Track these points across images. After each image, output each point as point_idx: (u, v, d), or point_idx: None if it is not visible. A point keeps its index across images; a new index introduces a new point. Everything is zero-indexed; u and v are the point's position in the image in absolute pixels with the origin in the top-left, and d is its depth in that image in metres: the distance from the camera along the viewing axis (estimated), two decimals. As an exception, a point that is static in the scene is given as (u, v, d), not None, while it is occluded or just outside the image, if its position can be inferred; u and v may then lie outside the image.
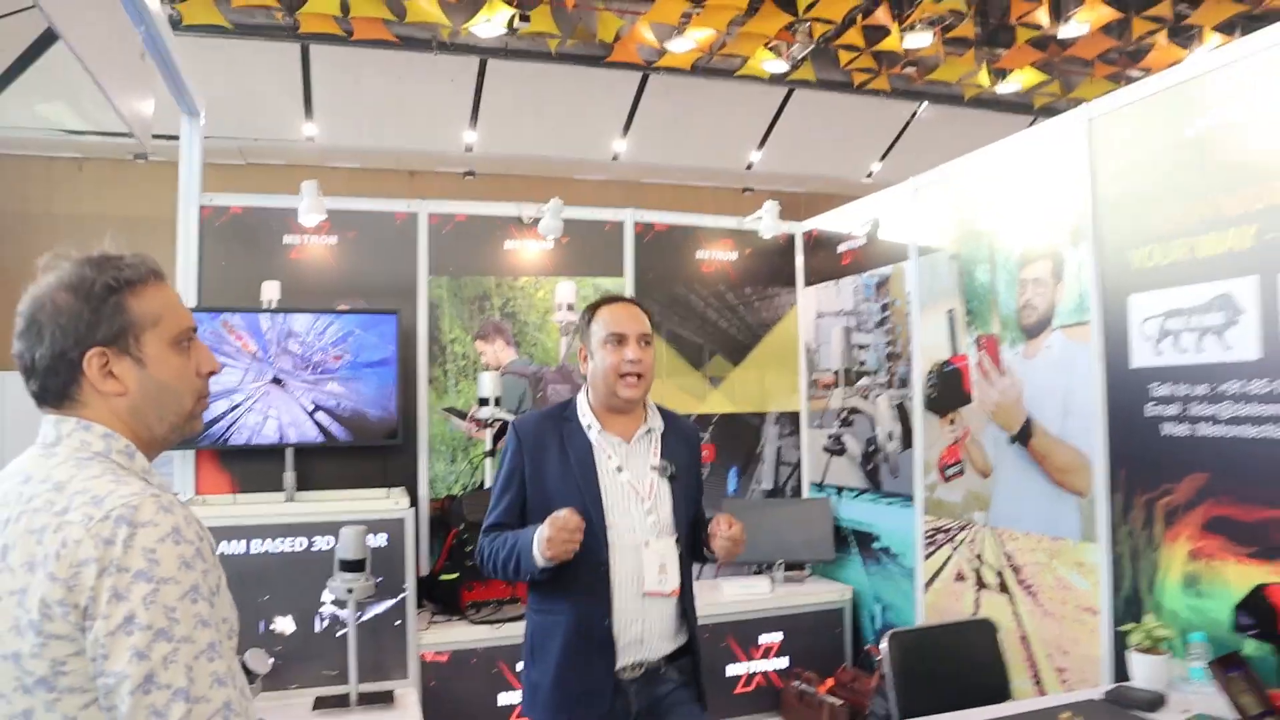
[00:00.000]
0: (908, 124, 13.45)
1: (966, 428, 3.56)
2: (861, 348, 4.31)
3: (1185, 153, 2.65)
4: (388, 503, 3.26)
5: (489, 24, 7.25)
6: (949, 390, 3.67)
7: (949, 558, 3.61)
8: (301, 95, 8.34)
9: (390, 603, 3.17)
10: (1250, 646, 2.33)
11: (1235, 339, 2.47)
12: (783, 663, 3.97)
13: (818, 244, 4.68)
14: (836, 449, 4.44)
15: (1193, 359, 2.58)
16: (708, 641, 3.78)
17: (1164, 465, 2.66)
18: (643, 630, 2.08)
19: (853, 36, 10.78)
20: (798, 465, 4.70)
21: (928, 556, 3.75)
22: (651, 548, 2.09)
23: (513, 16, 7.35)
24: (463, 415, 3.96)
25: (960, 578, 3.54)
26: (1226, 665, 2.10)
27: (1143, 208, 2.79)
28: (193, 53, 4.76)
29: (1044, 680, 3.13)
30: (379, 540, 3.14)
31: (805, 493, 4.65)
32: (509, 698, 3.45)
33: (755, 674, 3.94)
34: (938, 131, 13.53)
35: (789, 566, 4.25)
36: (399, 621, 3.18)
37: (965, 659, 2.66)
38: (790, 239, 4.81)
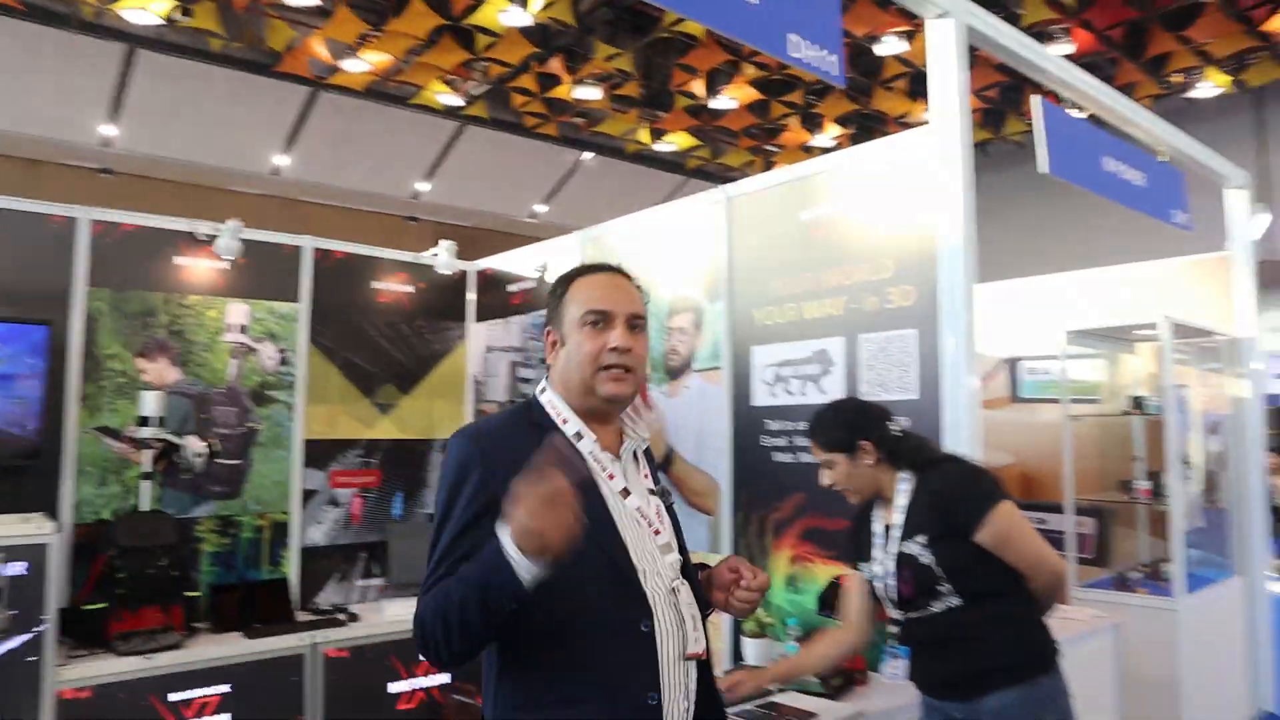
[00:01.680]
0: (572, 170, 14.44)
1: (620, 457, 4.09)
2: (526, 381, 4.74)
3: (799, 234, 3.38)
4: (28, 528, 3.06)
5: (144, 11, 6.82)
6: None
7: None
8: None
9: (25, 637, 2.97)
10: (832, 624, 3.02)
11: (828, 385, 3.21)
12: (445, 678, 4.21)
13: (490, 283, 5.07)
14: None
15: (797, 400, 3.30)
16: (370, 660, 3.95)
17: (774, 487, 3.34)
18: (688, 707, 1.53)
19: (527, 81, 11.46)
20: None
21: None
22: (682, 595, 1.56)
23: (173, 7, 6.97)
24: (117, 435, 3.77)
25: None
26: (806, 639, 2.74)
27: (766, 275, 3.49)
28: None
29: (677, 677, 3.70)
30: (17, 569, 2.94)
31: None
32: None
33: (417, 690, 4.14)
34: (600, 180, 14.69)
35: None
36: (33, 658, 2.98)
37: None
38: (463, 276, 5.15)
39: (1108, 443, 4.93)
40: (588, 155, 14.23)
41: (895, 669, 2.76)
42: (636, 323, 1.63)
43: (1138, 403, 4.64)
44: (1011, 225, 11.76)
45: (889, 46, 10.01)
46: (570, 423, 1.60)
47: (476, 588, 1.37)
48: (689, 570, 1.63)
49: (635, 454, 1.67)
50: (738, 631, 3.27)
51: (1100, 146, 3.98)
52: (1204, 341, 4.88)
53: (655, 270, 4.00)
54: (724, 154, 14.48)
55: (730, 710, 2.47)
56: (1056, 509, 4.61)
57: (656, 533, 1.58)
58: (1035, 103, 3.59)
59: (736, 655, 3.27)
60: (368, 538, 4.56)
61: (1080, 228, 10.43)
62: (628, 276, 1.70)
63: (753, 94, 11.84)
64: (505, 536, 1.32)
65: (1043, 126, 3.54)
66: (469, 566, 1.41)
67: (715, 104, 12.11)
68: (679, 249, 3.90)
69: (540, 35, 9.92)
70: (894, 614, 2.31)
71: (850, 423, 2.35)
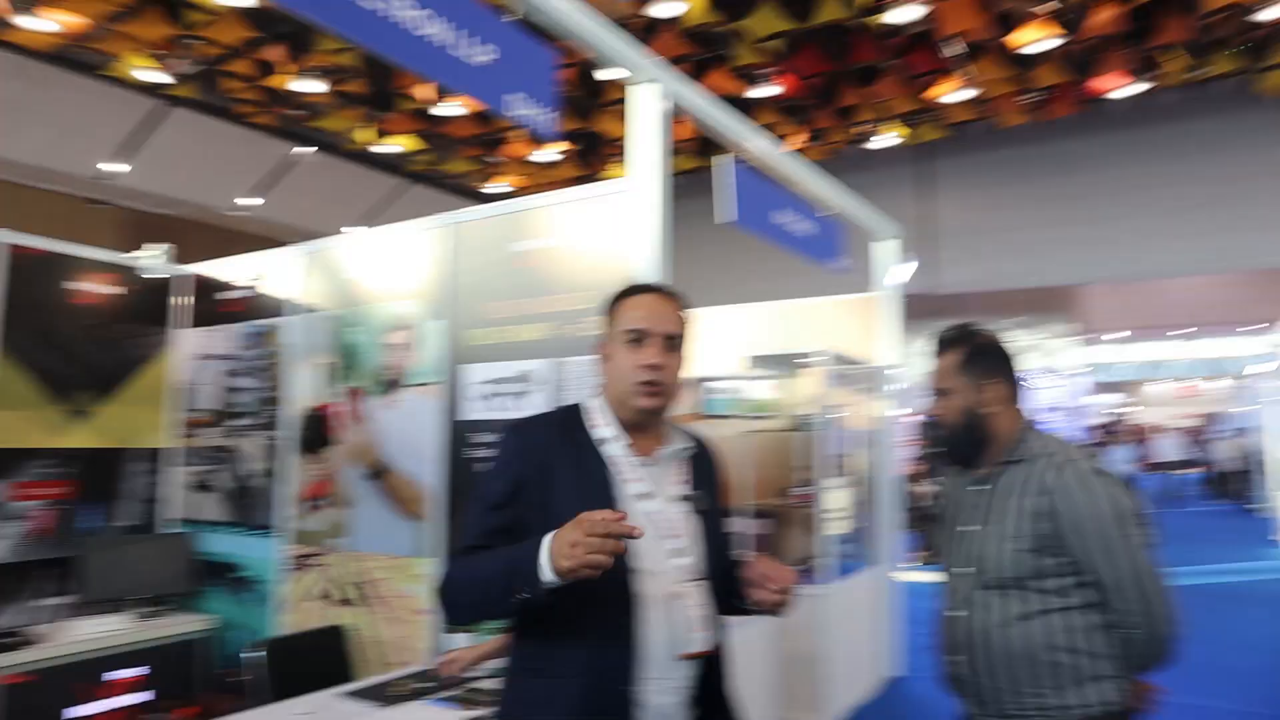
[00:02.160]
0: (287, 164, 13.93)
1: (331, 466, 4.25)
2: (238, 390, 4.74)
3: (513, 264, 3.75)
4: None
5: None
6: (317, 433, 4.33)
7: (310, 581, 4.24)
8: None
9: None
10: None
11: (532, 403, 3.60)
12: (145, 696, 4.13)
13: (202, 289, 4.99)
14: (204, 485, 4.77)
15: (503, 415, 3.66)
16: (57, 684, 3.82)
17: (481, 495, 3.68)
18: (674, 702, 1.71)
19: (243, 66, 10.98)
20: (162, 501, 4.88)
21: (290, 582, 4.33)
22: (687, 597, 1.75)
23: None
24: None
25: (320, 597, 4.19)
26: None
27: (481, 299, 3.82)
28: None
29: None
30: None
31: (167, 528, 4.85)
32: None
33: (110, 711, 4.03)
34: (315, 177, 14.29)
35: (149, 601, 4.43)
36: None
37: (325, 660, 3.31)
38: (169, 280, 5.02)
39: (780, 454, 5.75)
40: (305, 149, 13.81)
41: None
42: (672, 341, 1.81)
43: (802, 420, 5.48)
44: (705, 256, 12.91)
45: (611, 72, 10.71)
46: (605, 428, 1.81)
47: (503, 574, 1.61)
48: (718, 573, 1.79)
49: (680, 460, 1.86)
50: (444, 627, 3.57)
51: (775, 201, 4.70)
52: (857, 369, 5.84)
53: (375, 288, 4.21)
54: (448, 160, 14.62)
55: (440, 691, 2.79)
56: (738, 513, 5.34)
57: (675, 536, 1.76)
58: (721, 160, 4.22)
59: (442, 648, 3.57)
60: (60, 552, 4.33)
61: (764, 263, 11.51)
62: (672, 297, 1.88)
63: (477, 103, 12.11)
64: (545, 545, 1.54)
65: (727, 181, 4.18)
66: (506, 551, 1.65)
67: (440, 110, 12.25)
68: (400, 268, 4.13)
69: (260, 19, 9.58)
70: None
71: None
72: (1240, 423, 19.83)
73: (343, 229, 13.92)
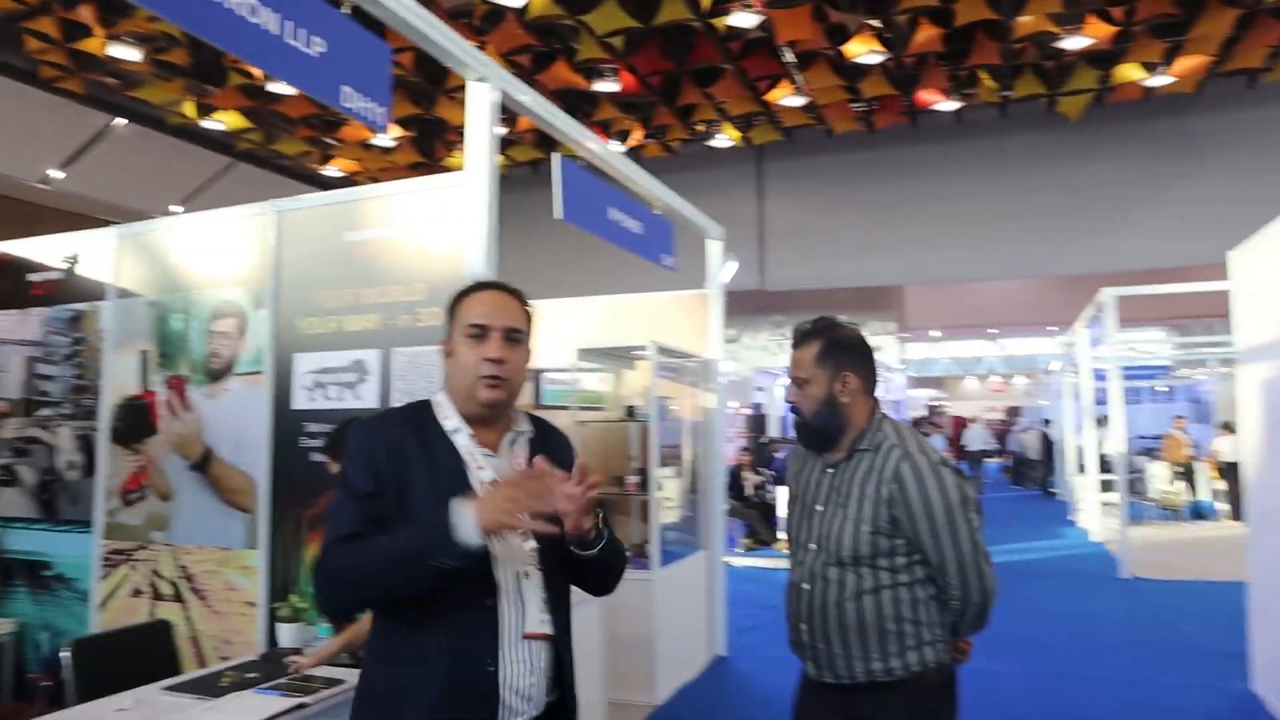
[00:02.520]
0: (100, 136, 13.11)
1: (151, 457, 4.16)
2: (46, 379, 4.55)
3: (343, 253, 3.79)
4: None
5: None
6: (136, 423, 4.23)
7: (126, 576, 4.14)
8: None
9: None
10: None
11: (364, 392, 3.67)
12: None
13: (3, 270, 4.75)
14: (6, 479, 4.55)
15: (335, 405, 3.71)
16: None
17: (309, 484, 3.71)
18: (532, 683, 1.81)
19: (46, 25, 10.29)
20: (-42, 498, 4.62)
21: (105, 578, 4.21)
22: (533, 579, 1.84)
23: None
24: None
25: (137, 593, 4.10)
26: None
27: (311, 288, 3.84)
28: None
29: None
30: None
31: (-36, 528, 4.60)
32: None
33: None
34: (133, 152, 13.51)
35: (-58, 605, 4.21)
36: None
37: (144, 658, 3.27)
38: (-32, 257, 4.76)
39: (611, 444, 5.99)
40: (120, 121, 13.03)
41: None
42: (514, 336, 1.88)
43: (631, 411, 5.73)
44: (544, 249, 13.08)
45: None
46: (451, 420, 1.88)
47: (414, 551, 1.67)
48: (568, 556, 1.82)
49: (526, 447, 1.93)
50: (273, 619, 3.59)
51: (607, 199, 4.91)
52: (685, 362, 6.14)
53: (201, 273, 4.15)
54: (279, 140, 14.12)
55: (267, 680, 2.85)
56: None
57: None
58: (555, 159, 4.39)
59: (272, 639, 3.59)
60: None
61: (602, 258, 11.78)
62: (513, 294, 1.95)
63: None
64: (461, 512, 1.64)
65: (559, 179, 4.35)
66: (403, 532, 1.73)
67: (273, 87, 11.83)
68: (225, 254, 4.09)
69: (68, -25, 9.01)
70: None
71: None
72: (1040, 415, 21.71)
73: (164, 208, 13.27)
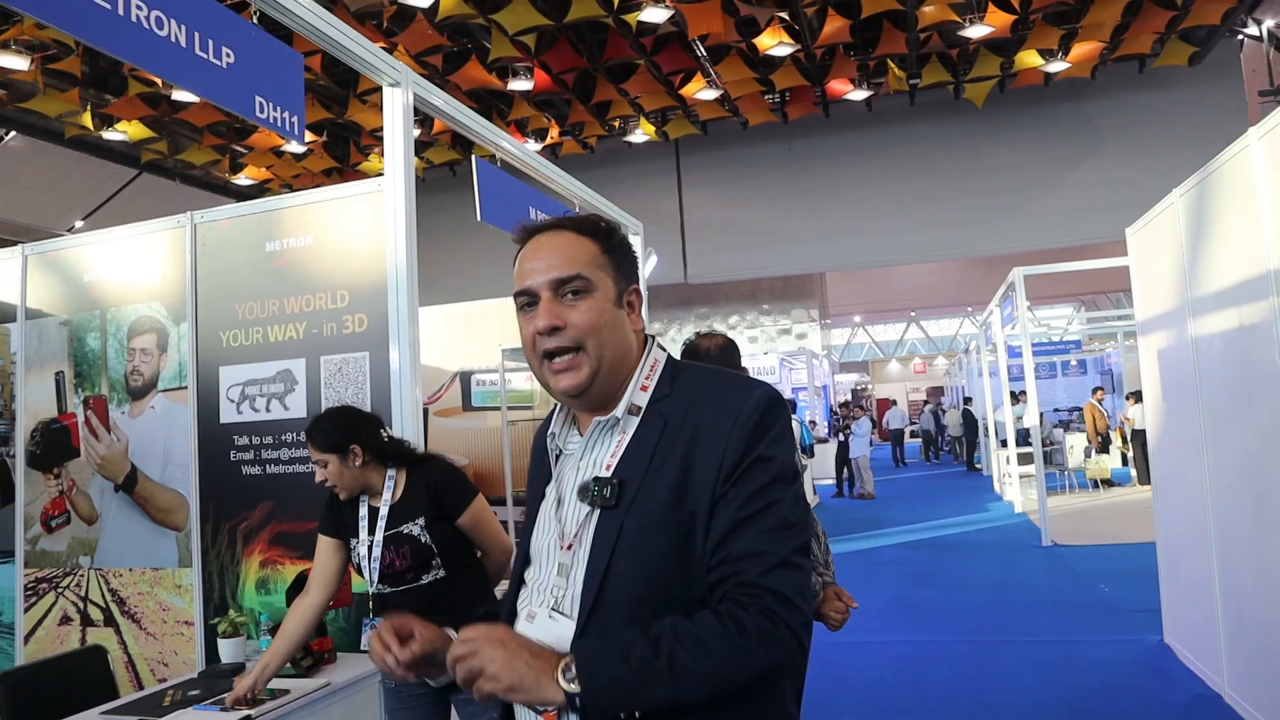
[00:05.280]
0: (-8, 152, 12.65)
1: (73, 480, 4.10)
2: (-45, 405, 4.43)
3: (264, 263, 3.79)
4: None
5: None
6: (56, 447, 4.15)
7: (53, 604, 4.07)
8: None
9: None
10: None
11: (292, 402, 3.68)
12: None
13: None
14: (-80, 512, 4.42)
15: (264, 416, 3.71)
16: None
17: (243, 497, 3.71)
18: None
19: (-74, 40, 9.91)
20: None
21: (29, 608, 4.12)
22: (538, 625, 1.29)
23: None
24: None
25: (66, 620, 4.03)
26: (277, 631, 3.19)
27: (232, 299, 3.83)
28: None
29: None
30: None
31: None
32: None
33: None
34: (30, 166, 13.07)
35: None
36: None
37: (79, 686, 3.23)
38: None
39: (544, 442, 6.04)
40: (11, 135, 12.58)
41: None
42: (569, 286, 1.28)
43: (563, 408, 5.79)
44: (465, 249, 13.05)
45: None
46: (559, 415, 1.42)
47: None
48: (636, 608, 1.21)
49: (622, 432, 1.30)
50: (211, 634, 3.58)
51: (527, 198, 4.97)
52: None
53: (116, 290, 4.09)
54: (185, 149, 13.80)
55: (210, 696, 2.85)
56: (501, 501, 5.58)
57: (567, 548, 1.29)
58: (473, 161, 4.43)
59: (212, 657, 3.58)
60: None
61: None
62: (568, 228, 1.34)
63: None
64: None
65: (478, 181, 4.39)
66: None
67: (177, 95, 11.58)
68: (141, 269, 4.04)
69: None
70: (375, 588, 2.84)
71: (344, 428, 2.79)
72: (961, 394, 22.41)
73: (67, 224, 12.86)
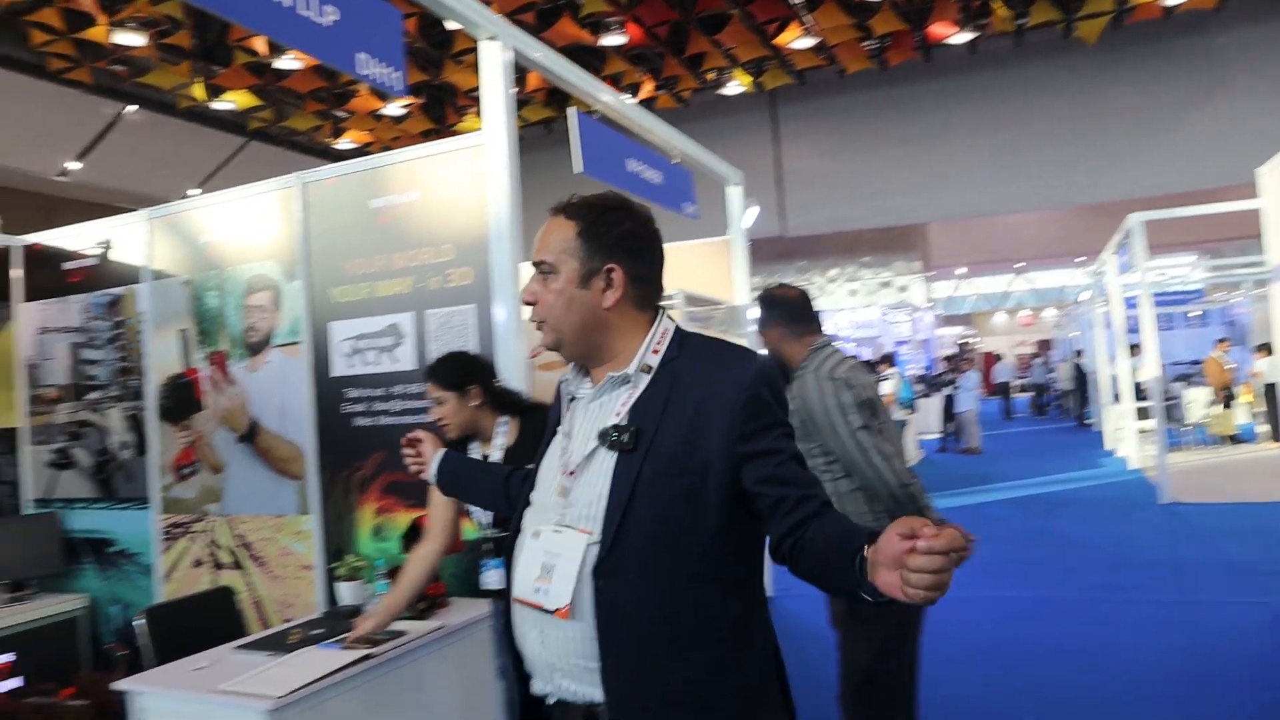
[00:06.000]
0: (112, 124, 13.24)
1: (199, 432, 4.31)
2: (91, 363, 4.70)
3: (370, 220, 3.88)
4: None
5: None
6: (182, 400, 4.37)
7: (186, 549, 4.32)
8: None
9: None
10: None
11: (400, 355, 3.78)
12: (15, 683, 4.13)
13: (41, 260, 4.89)
14: (64, 462, 4.73)
15: (373, 369, 3.83)
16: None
17: (356, 448, 3.85)
18: (549, 656, 1.48)
19: (50, 16, 10.37)
20: (17, 482, 4.81)
21: (165, 551, 4.39)
22: (543, 539, 1.51)
23: None
24: None
25: (198, 564, 4.28)
26: (397, 574, 3.31)
27: (340, 256, 3.94)
28: None
29: (269, 634, 4.07)
30: None
31: (27, 509, 4.80)
32: None
33: (-14, 696, 4.04)
34: (147, 138, 13.65)
35: (13, 586, 4.40)
36: None
37: (212, 622, 3.43)
38: (5, 251, 4.90)
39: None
40: (131, 109, 13.15)
41: (490, 577, 3.37)
42: (541, 268, 1.54)
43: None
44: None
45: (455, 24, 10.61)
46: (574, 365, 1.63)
47: None
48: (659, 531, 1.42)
49: (632, 386, 1.51)
50: (332, 579, 3.74)
51: (625, 150, 4.96)
52: (711, 309, 6.21)
53: (230, 250, 4.26)
54: (289, 116, 14.19)
55: (331, 636, 2.98)
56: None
57: (569, 474, 1.52)
58: (571, 114, 4.44)
59: (332, 599, 3.75)
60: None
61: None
62: (557, 212, 1.57)
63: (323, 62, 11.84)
64: None
65: (577, 134, 4.40)
66: None
67: (280, 63, 11.90)
68: (255, 229, 4.19)
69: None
70: (491, 532, 2.92)
71: (465, 368, 2.90)
72: (1071, 347, 21.62)
73: (182, 192, 13.40)
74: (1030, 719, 4.07)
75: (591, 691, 1.44)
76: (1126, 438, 12.30)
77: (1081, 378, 18.57)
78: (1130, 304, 11.64)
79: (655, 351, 1.53)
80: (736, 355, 1.52)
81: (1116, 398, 13.04)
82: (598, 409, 1.55)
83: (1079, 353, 19.71)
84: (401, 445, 2.12)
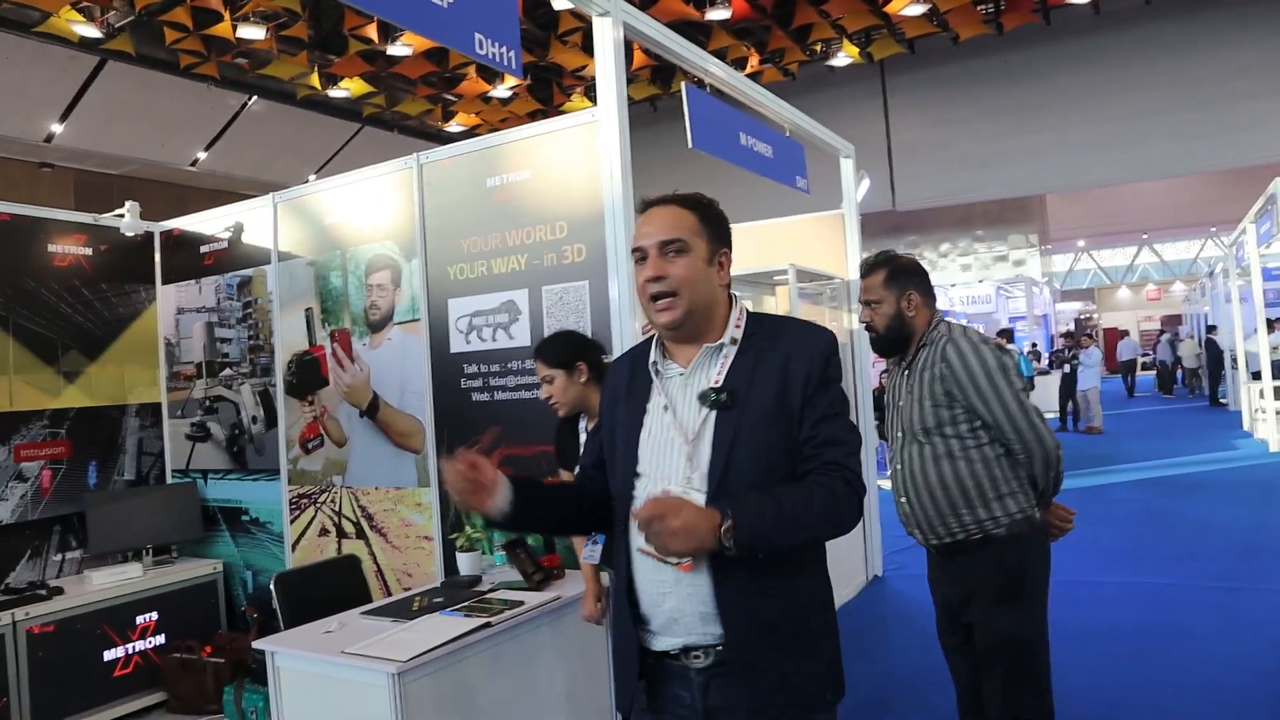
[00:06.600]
0: (237, 115, 13.83)
1: (324, 407, 4.48)
2: (224, 341, 4.94)
3: (485, 199, 3.95)
4: None
5: None
6: (308, 376, 4.55)
7: (313, 518, 4.51)
8: None
9: None
10: (530, 537, 3.67)
11: (516, 331, 3.84)
12: (160, 639, 4.41)
13: (178, 244, 5.15)
14: (200, 435, 4.99)
15: (490, 346, 3.90)
16: (80, 632, 4.08)
17: (473, 422, 3.94)
18: (674, 608, 1.70)
19: (180, 15, 10.85)
20: (160, 454, 5.11)
21: (293, 520, 4.59)
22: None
23: None
24: None
25: (324, 533, 4.46)
26: (514, 546, 3.38)
27: (456, 235, 4.03)
28: None
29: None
30: None
31: (169, 479, 5.09)
32: None
33: (134, 655, 4.32)
34: (268, 127, 14.21)
35: (158, 550, 4.68)
36: None
37: (339, 589, 3.57)
38: (149, 237, 5.18)
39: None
40: (254, 99, 13.70)
41: (593, 551, 3.42)
42: (671, 247, 1.73)
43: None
44: (675, 181, 13.09)
45: (564, 3, 10.62)
46: (655, 349, 1.83)
47: None
48: (759, 470, 1.67)
49: (725, 355, 1.76)
50: (449, 549, 3.85)
51: (737, 124, 4.91)
52: (823, 285, 6.11)
53: (351, 232, 4.40)
54: (401, 102, 14.55)
55: (454, 604, 3.06)
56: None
57: (691, 441, 1.71)
58: (683, 89, 4.41)
59: (450, 568, 3.86)
60: (62, 510, 4.57)
61: (734, 185, 11.83)
62: (672, 201, 1.81)
63: (429, 41, 12.08)
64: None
65: (688, 109, 4.37)
66: None
67: (392, 50, 12.19)
68: (376, 211, 4.31)
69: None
70: None
71: (572, 346, 2.96)
72: (1202, 322, 20.49)
73: (302, 178, 13.91)
74: (1155, 709, 3.89)
75: (708, 635, 1.69)
76: (1266, 418, 11.61)
77: (1215, 354, 17.61)
78: (1269, 275, 10.95)
79: (738, 326, 1.79)
80: (806, 327, 1.85)
81: (1256, 376, 12.32)
82: (694, 380, 1.77)
83: (1212, 328, 18.68)
84: (455, 463, 1.74)
